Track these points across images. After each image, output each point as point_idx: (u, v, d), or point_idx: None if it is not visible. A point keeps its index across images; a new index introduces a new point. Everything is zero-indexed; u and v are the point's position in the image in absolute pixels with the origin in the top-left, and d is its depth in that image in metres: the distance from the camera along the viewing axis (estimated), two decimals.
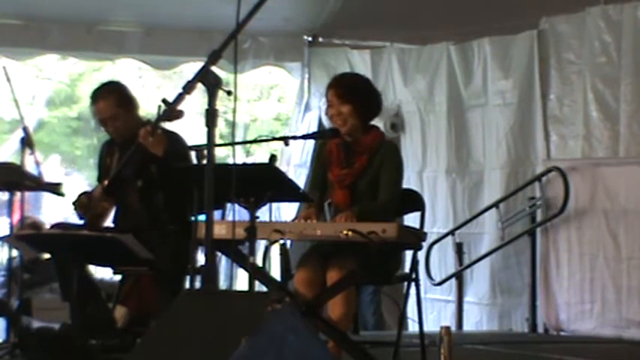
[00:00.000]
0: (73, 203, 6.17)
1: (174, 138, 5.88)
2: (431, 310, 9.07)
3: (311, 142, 8.63)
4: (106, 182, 6.04)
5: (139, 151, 5.74)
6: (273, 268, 5.71)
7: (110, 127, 6.13)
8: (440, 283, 8.95)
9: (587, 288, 7.90)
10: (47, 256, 6.78)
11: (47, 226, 8.37)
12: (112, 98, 6.12)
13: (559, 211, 7.97)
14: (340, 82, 5.51)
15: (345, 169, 5.39)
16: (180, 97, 4.10)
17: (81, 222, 6.12)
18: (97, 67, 14.29)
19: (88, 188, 6.49)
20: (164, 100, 4.27)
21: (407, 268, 5.60)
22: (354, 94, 5.39)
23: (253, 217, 4.72)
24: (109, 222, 6.25)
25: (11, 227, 6.10)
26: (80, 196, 6.18)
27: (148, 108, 6.20)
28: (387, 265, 5.27)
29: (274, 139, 5.63)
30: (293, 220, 5.33)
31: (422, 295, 5.60)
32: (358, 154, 5.39)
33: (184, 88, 4.03)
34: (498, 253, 8.59)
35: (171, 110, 4.32)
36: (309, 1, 9.51)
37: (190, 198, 4.79)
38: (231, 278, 5.95)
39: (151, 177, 5.94)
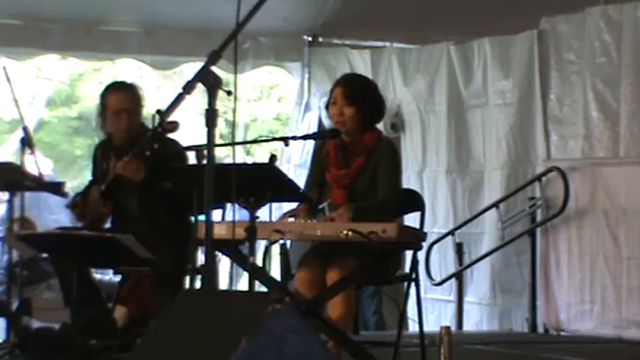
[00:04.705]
0: (67, 206, 6.17)
1: (170, 142, 5.89)
2: (431, 310, 9.06)
3: (311, 142, 8.62)
4: (102, 187, 6.04)
5: (118, 181, 5.90)
6: (273, 268, 5.71)
7: (124, 119, 6.08)
8: (440, 283, 8.95)
9: (587, 288, 7.90)
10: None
11: (38, 223, 8.38)
12: (134, 94, 6.18)
13: (559, 211, 7.97)
14: (350, 82, 5.47)
15: (342, 169, 5.38)
16: (173, 106, 4.08)
17: (79, 225, 6.12)
18: (97, 67, 14.29)
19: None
20: (158, 111, 4.25)
21: (407, 268, 5.60)
22: (360, 99, 5.35)
23: (253, 217, 4.72)
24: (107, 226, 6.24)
25: (11, 227, 6.11)
26: (75, 197, 6.17)
27: (148, 108, 6.20)
28: (387, 265, 5.27)
29: (274, 139, 5.62)
30: (280, 218, 5.31)
31: (422, 295, 5.59)
32: (355, 153, 5.38)
33: (184, 88, 4.03)
34: (498, 253, 8.58)
35: (166, 124, 4.33)
36: (309, 1, 9.50)
37: (189, 198, 4.79)
38: (231, 278, 5.95)
39: (149, 188, 5.94)
